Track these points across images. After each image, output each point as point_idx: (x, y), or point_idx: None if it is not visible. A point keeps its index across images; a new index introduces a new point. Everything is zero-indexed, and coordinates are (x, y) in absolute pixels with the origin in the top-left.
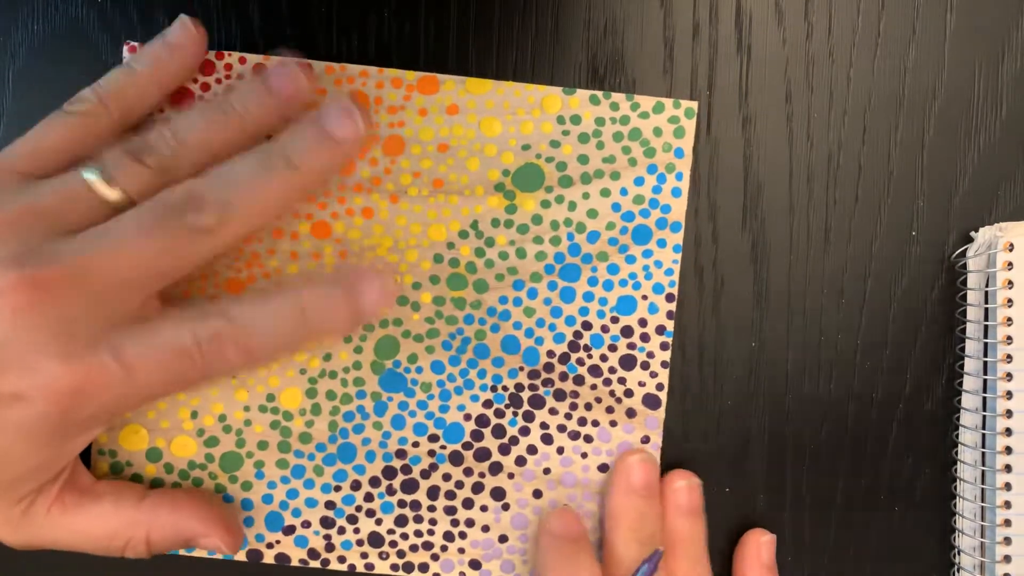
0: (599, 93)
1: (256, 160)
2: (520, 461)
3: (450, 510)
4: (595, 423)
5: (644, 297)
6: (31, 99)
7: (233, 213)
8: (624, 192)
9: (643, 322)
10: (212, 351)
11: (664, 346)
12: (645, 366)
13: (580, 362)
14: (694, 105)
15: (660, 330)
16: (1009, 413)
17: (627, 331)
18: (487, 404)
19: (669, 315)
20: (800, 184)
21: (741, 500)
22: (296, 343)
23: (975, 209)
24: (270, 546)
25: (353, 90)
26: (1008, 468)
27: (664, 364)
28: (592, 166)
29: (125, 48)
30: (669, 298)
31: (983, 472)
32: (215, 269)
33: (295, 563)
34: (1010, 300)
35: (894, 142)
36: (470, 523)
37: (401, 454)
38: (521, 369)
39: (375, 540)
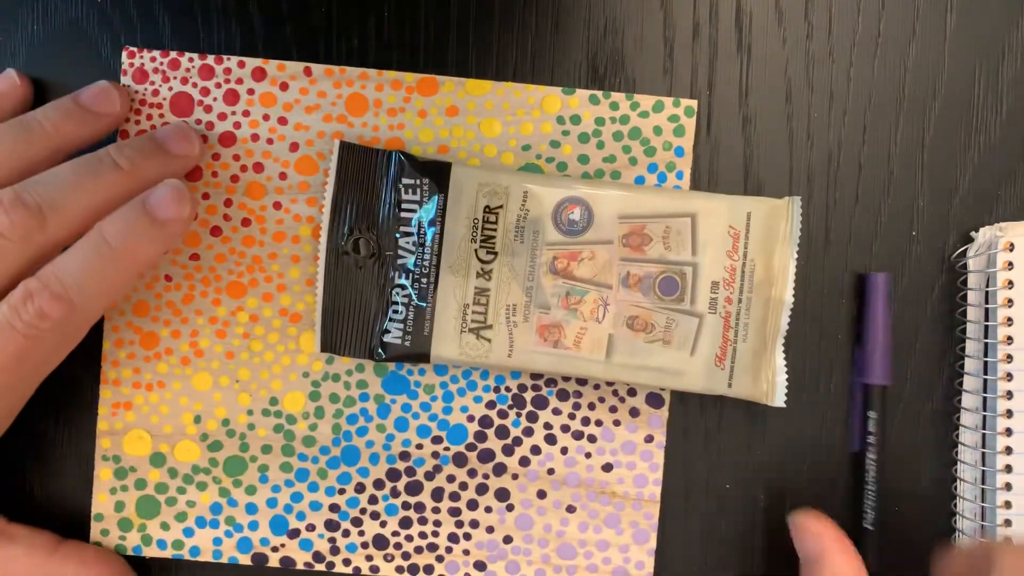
0: (599, 93)
1: (83, 242)
2: (524, 462)
3: (454, 511)
4: (599, 423)
5: None
6: (32, 100)
7: (62, 292)
8: None
9: None
10: (31, 314)
11: None
12: None
13: None
14: (694, 103)
15: None
16: (1009, 413)
17: None
18: (490, 405)
19: None
20: (800, 184)
21: (743, 499)
22: (117, 275)
23: (975, 209)
24: (275, 549)
25: (353, 92)
26: (1008, 468)
27: None
28: (592, 166)
29: (124, 53)
30: None
31: (983, 472)
32: (217, 274)
33: (300, 566)
34: (1010, 300)
35: (894, 142)
36: (475, 524)
37: (405, 456)
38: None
39: (380, 542)
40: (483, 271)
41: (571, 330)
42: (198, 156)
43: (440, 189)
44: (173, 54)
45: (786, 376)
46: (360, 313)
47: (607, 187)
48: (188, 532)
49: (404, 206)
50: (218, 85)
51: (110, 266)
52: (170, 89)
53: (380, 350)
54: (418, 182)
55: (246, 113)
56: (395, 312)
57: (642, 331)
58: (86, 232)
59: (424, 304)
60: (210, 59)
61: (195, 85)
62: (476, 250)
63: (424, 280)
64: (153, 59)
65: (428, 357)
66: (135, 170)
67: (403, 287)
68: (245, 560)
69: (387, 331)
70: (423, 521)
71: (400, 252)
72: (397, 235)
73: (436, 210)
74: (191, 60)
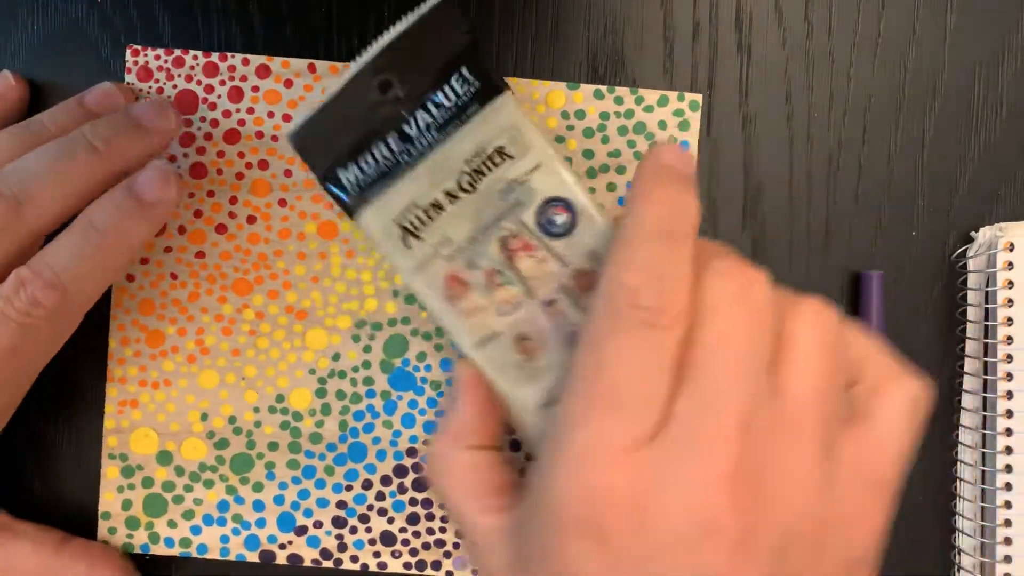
0: (603, 88)
1: (72, 229)
2: (530, 457)
3: None
4: None
5: None
6: (31, 99)
7: (54, 280)
8: (629, 186)
9: None
10: (24, 302)
11: None
12: None
13: None
14: (698, 98)
15: None
16: (1010, 413)
17: None
18: None
19: None
20: (800, 184)
21: None
22: (108, 260)
23: (975, 209)
24: (282, 547)
25: None
26: (1009, 468)
27: None
28: (597, 161)
29: (128, 51)
30: None
31: (983, 472)
32: (223, 271)
33: (308, 563)
34: (1010, 300)
35: (894, 142)
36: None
37: (412, 452)
38: None
39: (387, 539)
40: (453, 194)
41: (470, 301)
42: (175, 130)
43: (481, 101)
44: (177, 52)
45: None
46: (342, 135)
47: (606, 223)
48: (195, 530)
49: (445, 90)
50: (222, 82)
51: (100, 252)
52: (174, 87)
53: (331, 178)
54: (471, 80)
55: (251, 110)
56: (366, 162)
57: (521, 354)
58: (69, 217)
59: (387, 175)
60: (214, 56)
61: (199, 83)
62: (462, 173)
63: (406, 156)
64: (157, 57)
65: (354, 213)
66: (111, 150)
67: (389, 147)
68: (252, 557)
69: (347, 167)
70: (431, 517)
71: (411, 121)
72: (419, 109)
73: (462, 113)
74: (195, 58)
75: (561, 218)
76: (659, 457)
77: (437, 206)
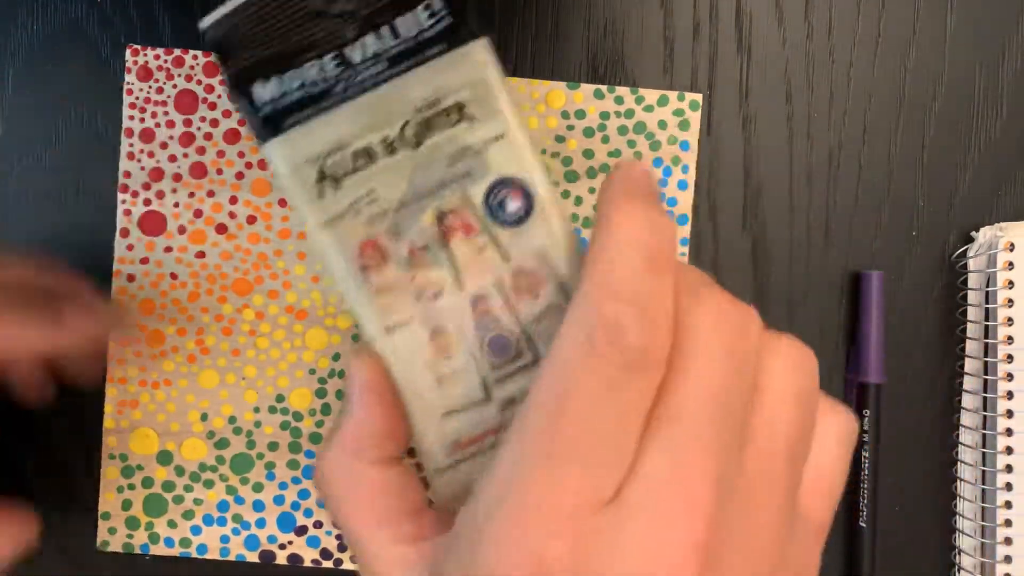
0: (603, 87)
1: None
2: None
3: None
4: None
5: None
6: (31, 99)
7: None
8: None
9: None
10: None
11: None
12: None
13: None
14: (699, 97)
15: None
16: (1010, 413)
17: None
18: None
19: None
20: (800, 184)
21: None
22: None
23: (976, 209)
24: (282, 547)
25: None
26: (1009, 468)
27: None
28: (597, 160)
29: (128, 51)
30: None
31: (984, 472)
32: (223, 271)
33: (308, 563)
34: (1011, 300)
35: (894, 142)
36: None
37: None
38: None
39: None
40: (391, 145)
41: (386, 276)
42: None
43: (449, 42)
44: (177, 51)
45: None
46: (269, 40)
47: (565, 225)
48: (195, 530)
49: (407, 15)
50: (223, 82)
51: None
52: (174, 87)
53: (242, 88)
54: (441, 11)
55: None
56: (291, 80)
57: (433, 351)
58: None
59: (314, 103)
60: (215, 56)
61: (199, 82)
62: (407, 123)
63: (341, 86)
64: (157, 56)
65: (263, 140)
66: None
67: (323, 69)
68: (253, 557)
69: (266, 80)
70: None
71: (358, 43)
72: (371, 31)
73: (423, 50)
74: (195, 57)
75: (514, 204)
76: (620, 521)
77: (369, 154)
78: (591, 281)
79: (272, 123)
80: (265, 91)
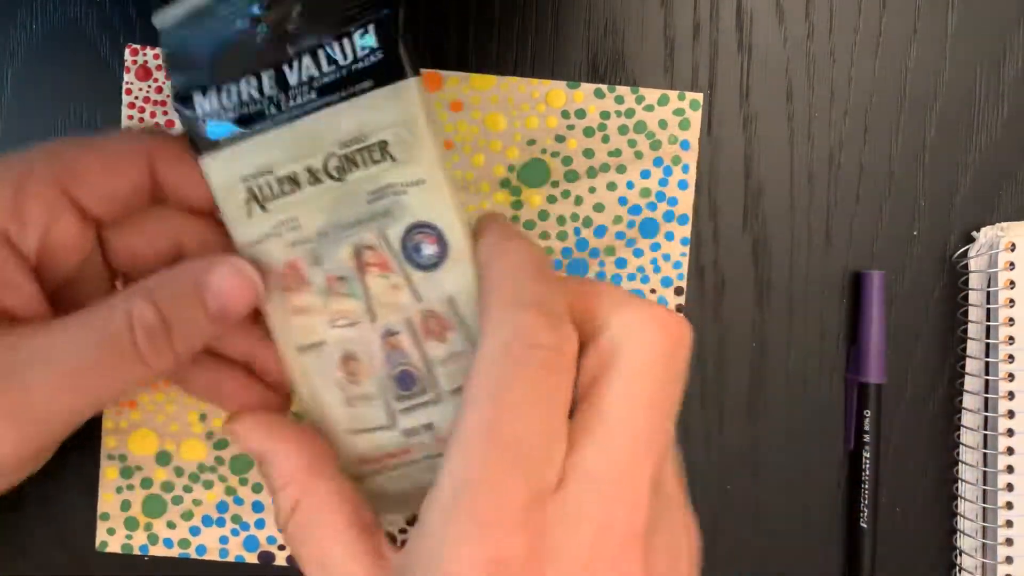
0: (604, 87)
1: None
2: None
3: None
4: None
5: (652, 291)
6: (31, 99)
7: None
8: (630, 186)
9: None
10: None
11: None
12: None
13: None
14: (699, 97)
15: None
16: (1011, 413)
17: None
18: None
19: (678, 308)
20: (801, 184)
21: (743, 498)
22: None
23: (977, 209)
24: (282, 548)
25: None
26: (1010, 468)
27: None
28: (598, 160)
29: (127, 50)
30: (678, 291)
31: (984, 472)
32: None
33: None
34: (1012, 300)
35: (895, 142)
36: None
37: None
38: None
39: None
40: (315, 175)
41: (304, 300)
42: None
43: (378, 79)
44: None
45: None
46: (215, 50)
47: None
48: (194, 531)
49: (343, 43)
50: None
51: None
52: None
53: (186, 99)
54: (374, 46)
55: None
56: (229, 95)
57: (345, 373)
58: None
59: (248, 122)
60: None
61: None
62: (331, 156)
63: (274, 108)
64: (156, 56)
65: (202, 153)
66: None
67: (260, 88)
68: (252, 558)
69: (206, 93)
70: None
71: (294, 64)
72: (307, 53)
73: (351, 83)
74: None
75: (429, 249)
76: (568, 513)
77: (294, 181)
78: (497, 299)
79: (210, 138)
80: (206, 104)
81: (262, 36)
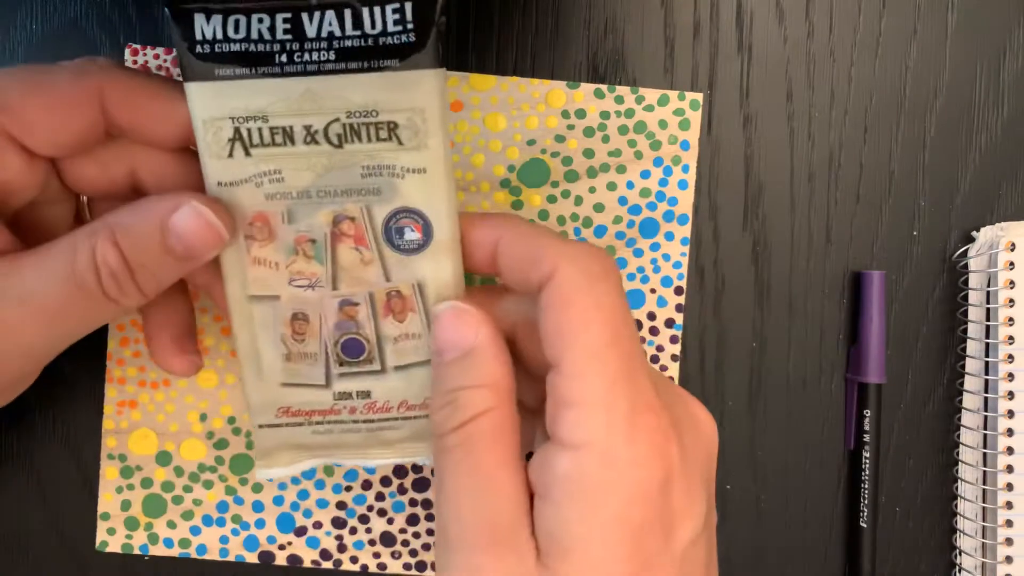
0: (603, 87)
1: None
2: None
3: None
4: None
5: (652, 291)
6: None
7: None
8: (630, 186)
9: (652, 316)
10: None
11: (674, 339)
12: (655, 360)
13: None
14: (699, 96)
15: (669, 323)
16: (1011, 413)
17: (636, 325)
18: None
19: (678, 308)
20: (801, 183)
21: (743, 498)
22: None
23: (977, 209)
24: (282, 547)
25: None
26: (1010, 468)
27: (674, 358)
28: (598, 160)
29: (127, 50)
30: (678, 291)
31: (984, 472)
32: None
33: (307, 564)
34: (1012, 300)
35: (895, 141)
36: None
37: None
38: None
39: (387, 539)
40: (313, 134)
41: (266, 252)
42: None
43: (403, 59)
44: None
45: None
46: None
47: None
48: (195, 530)
49: (374, 11)
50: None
51: None
52: None
53: (182, 16)
54: (407, 24)
55: None
56: (236, 27)
57: (290, 330)
58: None
59: (251, 61)
60: None
61: None
62: (335, 121)
63: (284, 56)
64: (156, 56)
65: (188, 77)
66: None
67: (272, 29)
68: (252, 558)
69: (209, 17)
70: (430, 518)
71: (315, 17)
72: (332, 9)
73: (375, 56)
74: None
75: (413, 235)
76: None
77: (288, 135)
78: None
79: (204, 64)
80: (207, 27)
81: None
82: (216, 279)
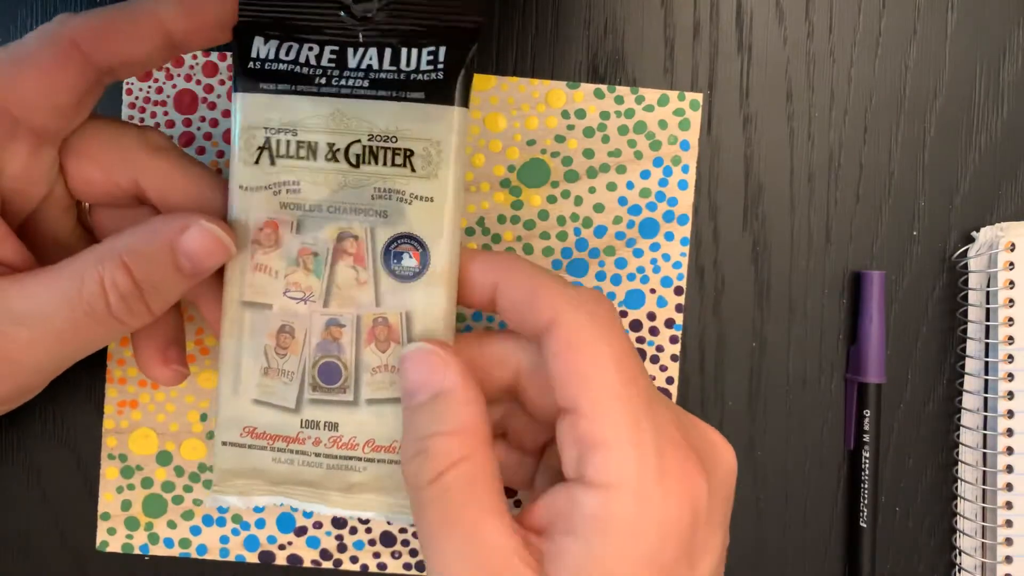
0: (603, 87)
1: None
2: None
3: None
4: None
5: (652, 291)
6: None
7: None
8: (630, 186)
9: (652, 316)
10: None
11: (674, 339)
12: (655, 360)
13: None
14: (699, 96)
15: (669, 323)
16: (1011, 413)
17: (636, 325)
18: None
19: (678, 308)
20: (801, 184)
21: (742, 499)
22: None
23: (976, 209)
24: (282, 547)
25: None
26: (1010, 468)
27: (674, 357)
28: (597, 160)
29: None
30: (677, 291)
31: (984, 472)
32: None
33: (308, 564)
34: (1011, 300)
35: (895, 141)
36: None
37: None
38: None
39: (387, 539)
40: (334, 152)
41: (269, 260)
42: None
43: (430, 96)
44: None
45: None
46: (290, 6)
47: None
48: (195, 530)
49: (412, 52)
50: (222, 82)
51: None
52: (174, 87)
53: (245, 36)
54: (438, 66)
55: None
56: (288, 50)
57: (274, 342)
58: None
59: (294, 80)
60: (213, 56)
61: (199, 82)
62: (356, 142)
63: (323, 80)
64: None
65: (238, 87)
66: None
67: (319, 55)
68: (252, 558)
69: (267, 39)
70: None
71: (359, 49)
72: (374, 46)
73: (404, 89)
74: (195, 57)
75: (410, 262)
76: None
77: (312, 150)
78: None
79: (252, 79)
80: (264, 48)
81: (339, 13)
82: (203, 292)
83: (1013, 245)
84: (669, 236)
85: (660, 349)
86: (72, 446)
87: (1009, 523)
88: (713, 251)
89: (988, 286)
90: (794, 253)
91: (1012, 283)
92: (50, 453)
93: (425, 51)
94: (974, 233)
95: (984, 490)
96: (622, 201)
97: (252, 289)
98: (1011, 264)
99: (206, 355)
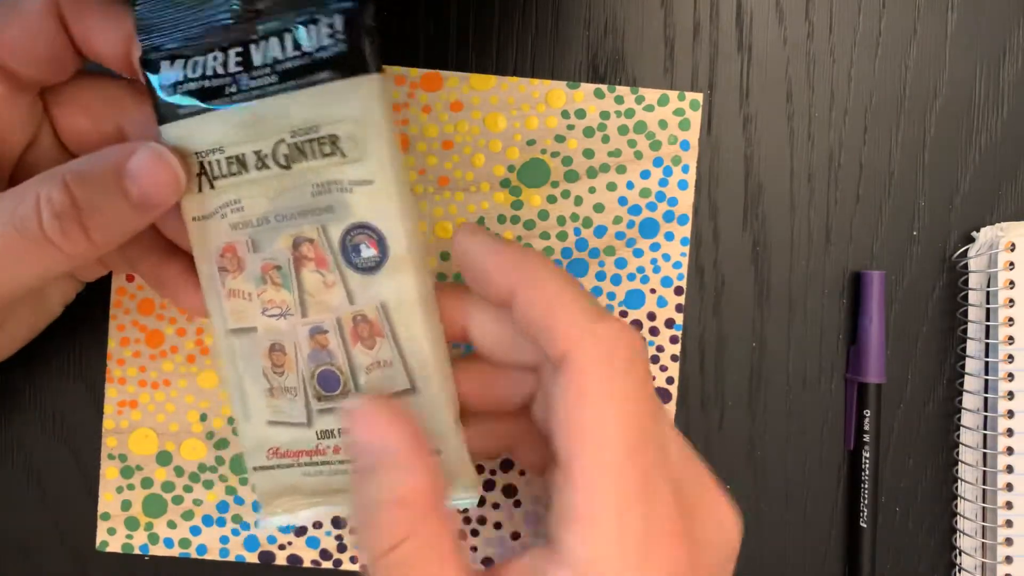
0: (603, 87)
1: None
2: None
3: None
4: None
5: (652, 291)
6: None
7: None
8: (630, 186)
9: (652, 316)
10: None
11: (674, 339)
12: (655, 360)
13: None
14: (699, 96)
15: (669, 323)
16: (1011, 413)
17: (636, 325)
18: None
19: (678, 308)
20: (801, 184)
21: (742, 499)
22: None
23: (976, 209)
24: (282, 547)
25: None
26: (1010, 468)
27: (674, 358)
28: (597, 160)
29: None
30: (678, 291)
31: (984, 472)
32: None
33: (307, 564)
34: (1011, 300)
35: (895, 141)
36: (482, 521)
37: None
38: None
39: None
40: (263, 160)
41: (239, 283)
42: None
43: (340, 71)
44: None
45: None
46: (187, 21)
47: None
48: (195, 531)
49: (309, 28)
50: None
51: None
52: None
53: (152, 65)
54: (338, 37)
55: None
56: (194, 68)
57: (270, 362)
58: None
59: (208, 96)
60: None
61: None
62: (280, 142)
63: (233, 87)
64: None
65: (163, 121)
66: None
67: (225, 64)
68: (252, 558)
69: (173, 61)
70: None
71: (260, 44)
72: (275, 35)
73: (311, 72)
74: None
75: (369, 252)
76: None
77: (241, 163)
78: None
79: (169, 107)
80: (171, 72)
81: (234, 13)
82: (179, 282)
83: (1013, 245)
84: (669, 236)
85: (660, 349)
86: (72, 446)
87: (1009, 523)
88: (713, 251)
89: (988, 286)
90: (794, 253)
91: (1012, 283)
92: (50, 453)
93: (324, 24)
94: (974, 233)
95: (984, 490)
96: (622, 201)
97: (233, 316)
98: (1011, 264)
99: (206, 355)
